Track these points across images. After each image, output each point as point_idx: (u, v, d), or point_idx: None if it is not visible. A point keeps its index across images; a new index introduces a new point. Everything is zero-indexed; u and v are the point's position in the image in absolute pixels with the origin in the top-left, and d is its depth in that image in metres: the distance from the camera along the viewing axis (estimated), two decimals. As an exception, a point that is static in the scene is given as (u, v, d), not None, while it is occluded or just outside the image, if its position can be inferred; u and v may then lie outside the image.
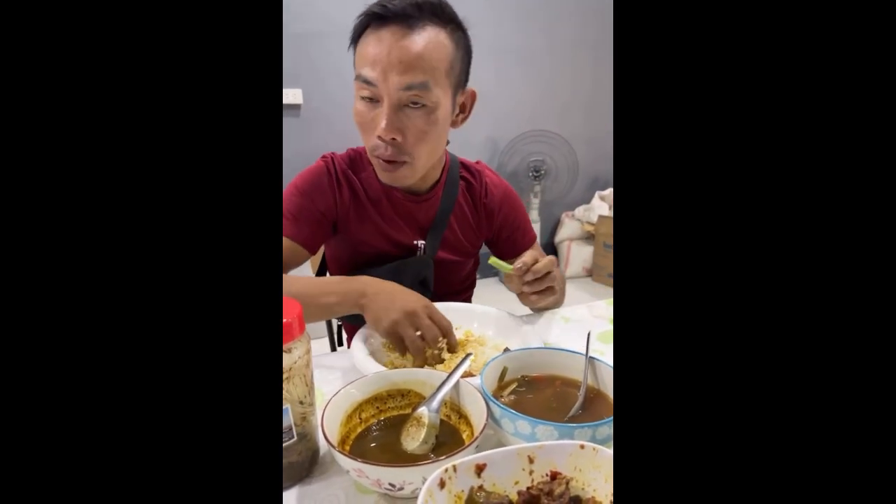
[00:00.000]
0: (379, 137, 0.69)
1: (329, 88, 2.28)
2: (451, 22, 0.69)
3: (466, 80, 0.75)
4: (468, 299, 0.99)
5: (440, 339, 0.64)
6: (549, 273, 0.69)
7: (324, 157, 0.84)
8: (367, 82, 0.67)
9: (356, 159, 0.85)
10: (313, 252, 0.82)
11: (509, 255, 0.94)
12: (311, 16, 2.20)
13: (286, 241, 0.78)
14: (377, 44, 0.66)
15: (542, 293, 0.71)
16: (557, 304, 0.87)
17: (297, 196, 0.80)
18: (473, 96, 0.78)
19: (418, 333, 0.63)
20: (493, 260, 0.75)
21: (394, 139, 0.69)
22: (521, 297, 0.73)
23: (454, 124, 0.78)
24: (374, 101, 0.69)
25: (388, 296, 0.67)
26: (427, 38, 0.66)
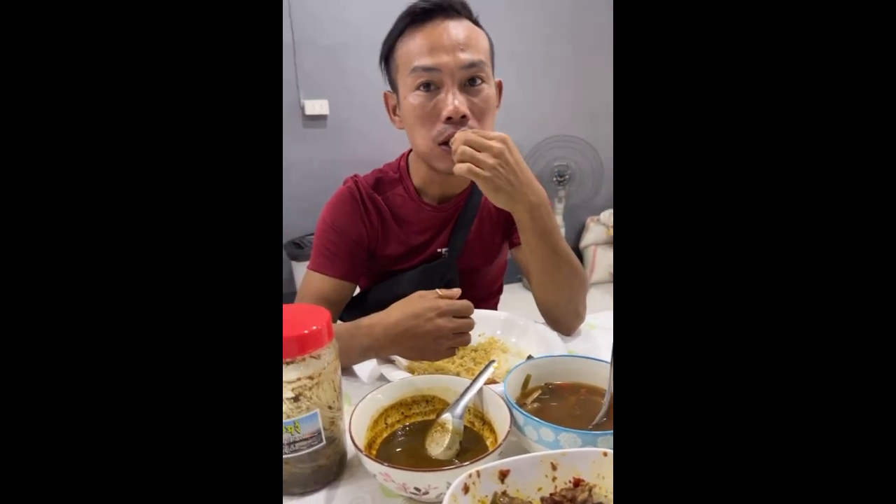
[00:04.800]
0: (448, 119, 0.69)
1: (355, 99, 2.33)
2: (473, 19, 0.74)
3: (494, 71, 0.79)
4: (494, 306, 0.99)
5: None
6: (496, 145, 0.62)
7: (347, 181, 0.84)
8: (426, 69, 0.69)
9: (382, 179, 0.85)
10: (356, 282, 0.84)
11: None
12: (337, 28, 2.26)
13: (329, 280, 0.79)
14: (428, 34, 0.69)
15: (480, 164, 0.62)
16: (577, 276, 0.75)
17: (328, 232, 0.81)
18: (500, 86, 0.80)
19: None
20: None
21: (464, 117, 0.69)
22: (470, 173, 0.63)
23: None
24: (432, 88, 0.70)
25: (408, 335, 0.61)
26: (469, 26, 0.72)
